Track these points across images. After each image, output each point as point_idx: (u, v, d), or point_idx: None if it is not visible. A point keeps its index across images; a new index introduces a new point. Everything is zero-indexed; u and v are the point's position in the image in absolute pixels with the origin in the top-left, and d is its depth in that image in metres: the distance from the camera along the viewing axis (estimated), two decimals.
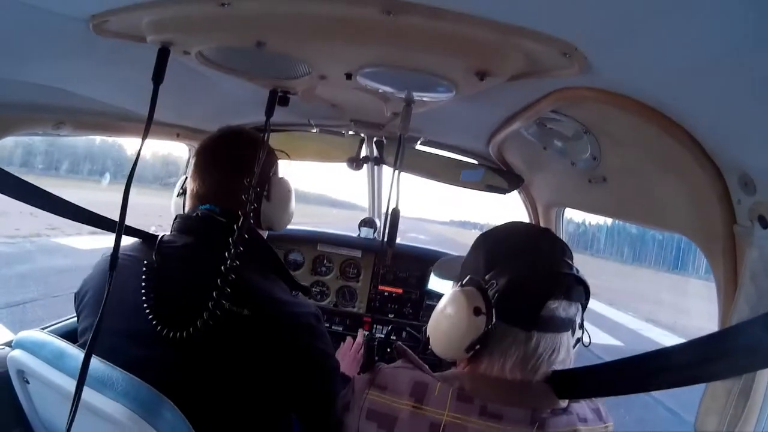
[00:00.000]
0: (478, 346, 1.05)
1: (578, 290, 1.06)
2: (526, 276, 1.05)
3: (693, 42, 0.73)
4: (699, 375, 0.87)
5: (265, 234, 1.50)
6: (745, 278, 1.01)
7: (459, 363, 1.16)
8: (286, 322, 1.21)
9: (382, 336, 2.54)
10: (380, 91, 1.29)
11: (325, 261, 2.92)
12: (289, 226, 2.99)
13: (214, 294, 1.11)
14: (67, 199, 1.25)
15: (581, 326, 1.10)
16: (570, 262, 1.08)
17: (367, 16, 0.89)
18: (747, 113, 0.84)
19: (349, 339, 2.18)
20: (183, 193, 1.49)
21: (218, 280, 1.13)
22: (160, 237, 1.28)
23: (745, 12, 0.61)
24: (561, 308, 1.02)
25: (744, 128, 0.89)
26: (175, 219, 1.34)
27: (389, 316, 2.81)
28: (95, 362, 1.04)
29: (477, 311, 1.02)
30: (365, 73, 1.18)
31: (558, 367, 1.06)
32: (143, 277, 1.17)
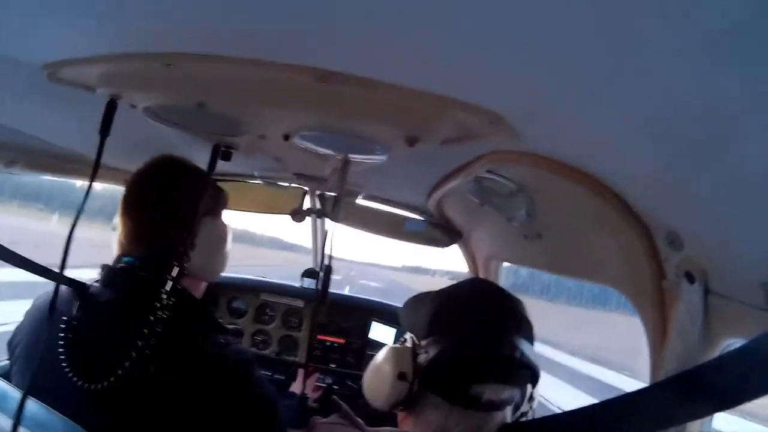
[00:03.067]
0: (401, 407, 1.04)
1: (519, 374, 1.01)
2: (455, 353, 1.00)
3: (615, 111, 0.76)
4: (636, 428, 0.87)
5: (201, 283, 1.39)
6: (673, 332, 1.03)
7: (398, 417, 1.12)
8: (215, 378, 1.13)
9: (323, 385, 2.51)
10: (318, 152, 1.31)
11: (267, 310, 2.88)
12: (233, 274, 2.96)
13: (133, 354, 1.05)
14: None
15: (530, 400, 1.06)
16: (519, 339, 1.00)
17: (302, 84, 0.91)
18: (671, 174, 0.87)
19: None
20: None
21: (139, 342, 1.06)
22: (86, 288, 1.19)
23: (664, 82, 0.64)
24: (490, 391, 0.97)
25: (669, 188, 0.92)
26: (101, 269, 1.24)
27: (331, 365, 2.77)
28: (36, 406, 1.00)
29: (402, 376, 1.01)
30: (302, 136, 1.19)
31: None
32: (61, 335, 1.09)
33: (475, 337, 1.01)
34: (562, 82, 0.73)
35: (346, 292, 3.08)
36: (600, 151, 0.97)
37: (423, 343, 1.03)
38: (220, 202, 1.39)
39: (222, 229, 1.36)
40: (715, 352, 0.99)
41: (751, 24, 0.50)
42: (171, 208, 1.24)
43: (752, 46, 0.53)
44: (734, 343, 0.98)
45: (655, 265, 1.08)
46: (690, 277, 0.97)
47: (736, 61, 0.55)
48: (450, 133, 1.05)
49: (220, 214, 1.38)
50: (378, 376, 1.07)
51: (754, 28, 0.50)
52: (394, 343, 1.11)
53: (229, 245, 1.40)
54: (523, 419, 1.08)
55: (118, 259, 1.24)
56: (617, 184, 1.04)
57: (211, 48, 0.87)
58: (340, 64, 0.84)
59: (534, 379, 1.04)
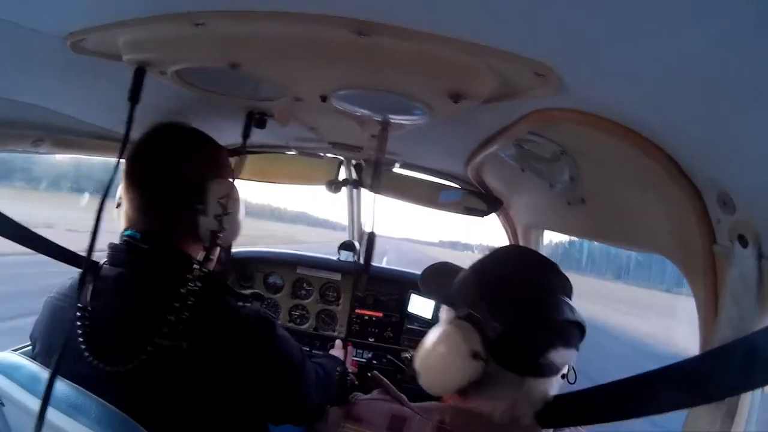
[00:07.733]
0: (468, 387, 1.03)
1: (577, 336, 1.03)
2: (529, 324, 1.00)
3: (668, 64, 0.72)
4: (689, 399, 0.85)
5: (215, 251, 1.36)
6: (727, 299, 0.98)
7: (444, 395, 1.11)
8: (232, 344, 1.11)
9: (363, 361, 2.53)
10: (356, 114, 1.28)
11: (304, 284, 2.88)
12: (269, 249, 2.99)
13: (165, 330, 1.05)
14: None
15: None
16: (570, 301, 1.04)
17: (339, 38, 0.88)
18: (723, 132, 0.83)
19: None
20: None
21: (169, 316, 1.06)
22: (98, 267, 1.18)
23: (719, 32, 0.60)
24: (558, 356, 0.99)
25: (722, 147, 0.87)
26: (108, 248, 1.22)
27: (369, 340, 2.76)
28: (68, 387, 1.01)
29: (476, 355, 0.98)
30: (340, 96, 1.16)
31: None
32: (77, 322, 1.09)
33: (540, 306, 1.01)
34: (613, 31, 0.69)
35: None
36: (649, 107, 0.92)
37: (481, 314, 1.01)
38: (226, 164, 1.36)
39: (230, 192, 1.30)
40: None
41: None
42: (174, 175, 1.22)
43: None
44: None
45: (706, 229, 1.04)
46: (743, 241, 0.93)
47: None
48: (494, 89, 1.01)
49: (227, 177, 1.32)
50: (446, 358, 1.03)
51: None
52: (433, 315, 1.11)
53: (242, 209, 1.36)
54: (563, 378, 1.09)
55: (121, 234, 1.23)
56: (667, 142, 0.99)
57: (242, 3, 0.84)
58: (379, 14, 0.81)
59: (582, 337, 1.06)
